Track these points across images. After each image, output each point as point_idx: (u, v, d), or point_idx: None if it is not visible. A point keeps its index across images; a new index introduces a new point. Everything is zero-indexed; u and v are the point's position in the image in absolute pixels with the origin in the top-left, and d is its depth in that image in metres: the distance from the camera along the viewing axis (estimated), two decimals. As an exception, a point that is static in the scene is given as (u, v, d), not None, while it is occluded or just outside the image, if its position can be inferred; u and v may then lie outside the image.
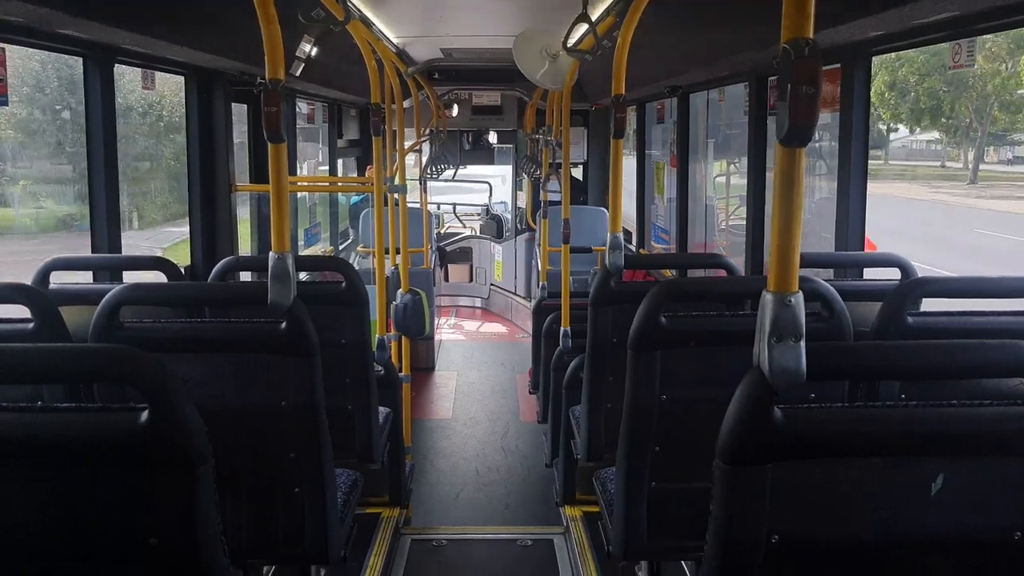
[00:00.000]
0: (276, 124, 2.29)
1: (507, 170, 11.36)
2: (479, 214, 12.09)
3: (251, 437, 2.46)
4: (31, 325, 2.40)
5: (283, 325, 2.34)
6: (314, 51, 5.02)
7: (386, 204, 5.01)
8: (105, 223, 3.65)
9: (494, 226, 11.37)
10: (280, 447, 2.45)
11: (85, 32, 3.22)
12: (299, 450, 2.45)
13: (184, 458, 1.50)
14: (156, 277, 3.29)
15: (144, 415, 1.47)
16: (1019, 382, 2.03)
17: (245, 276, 4.33)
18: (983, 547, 1.53)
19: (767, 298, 1.43)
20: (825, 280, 2.50)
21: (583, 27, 3.67)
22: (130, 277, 3.66)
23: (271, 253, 2.33)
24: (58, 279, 3.13)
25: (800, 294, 1.43)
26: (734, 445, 1.45)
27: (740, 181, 6.03)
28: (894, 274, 3.10)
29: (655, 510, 2.59)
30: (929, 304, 2.65)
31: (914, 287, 2.47)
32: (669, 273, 5.63)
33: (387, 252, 5.01)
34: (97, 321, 2.32)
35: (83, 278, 3.60)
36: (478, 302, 11.15)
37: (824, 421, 1.47)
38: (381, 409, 3.67)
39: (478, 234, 11.48)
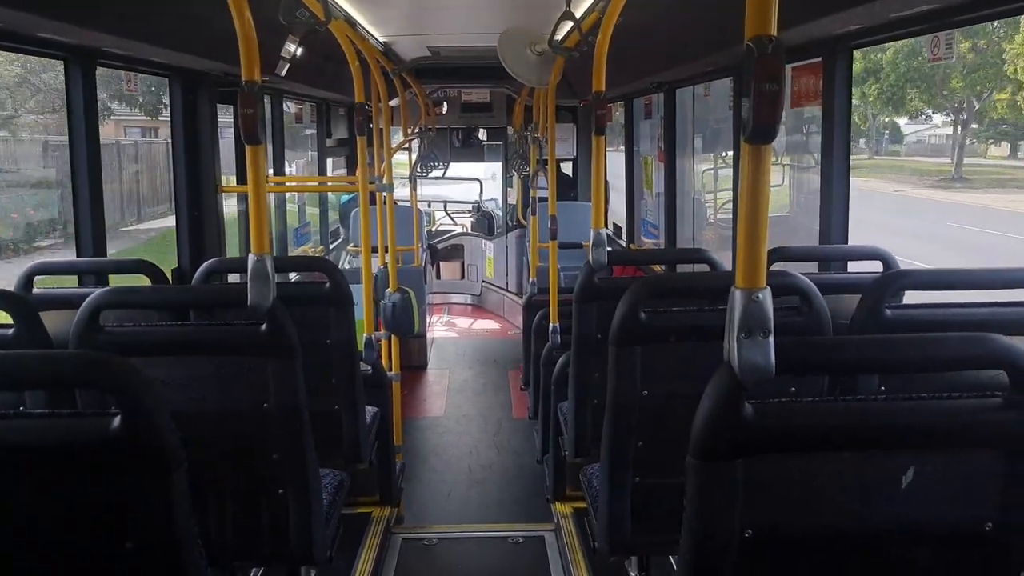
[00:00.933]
0: (253, 126, 2.29)
1: (497, 167, 11.36)
2: (470, 211, 12.09)
3: (234, 439, 2.47)
4: (11, 331, 2.40)
5: (263, 326, 2.35)
6: (299, 51, 5.02)
7: (374, 203, 5.01)
8: (89, 227, 3.64)
9: (485, 223, 11.37)
10: (263, 449, 2.45)
11: (66, 35, 3.22)
12: (282, 451, 2.45)
13: (158, 462, 1.50)
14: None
15: (116, 420, 1.47)
16: (997, 373, 2.04)
17: (234, 278, 4.33)
18: (955, 538, 1.55)
19: (735, 294, 1.44)
20: (807, 274, 2.51)
21: (568, 24, 3.67)
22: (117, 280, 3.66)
23: (250, 255, 2.34)
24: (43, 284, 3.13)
25: (768, 290, 1.44)
26: (705, 441, 1.46)
27: (727, 174, 6.05)
28: (878, 267, 3.11)
29: (639, 505, 2.61)
30: (912, 296, 2.66)
31: (893, 280, 2.47)
32: (659, 268, 5.64)
33: (375, 251, 5.01)
34: (77, 326, 2.32)
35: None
36: (470, 299, 11.16)
37: (794, 416, 1.48)
38: (369, 408, 3.68)
39: (469, 231, 11.48)
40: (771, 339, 1.43)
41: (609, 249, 3.44)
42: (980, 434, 1.49)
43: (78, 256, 3.65)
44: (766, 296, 1.43)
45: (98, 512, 1.53)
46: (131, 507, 1.52)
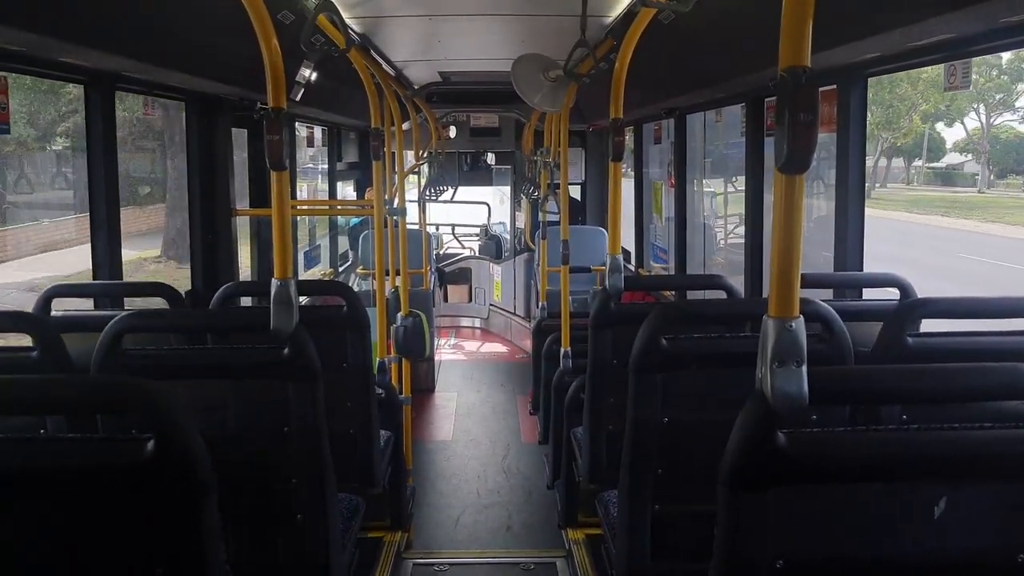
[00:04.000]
0: (279, 152, 2.31)
1: (506, 190, 11.40)
2: (478, 235, 12.12)
3: (253, 463, 2.46)
4: (34, 354, 2.41)
5: (285, 350, 2.35)
6: (314, 76, 5.05)
7: (385, 226, 5.03)
8: (107, 248, 3.66)
9: (493, 247, 11.39)
10: (282, 473, 2.45)
11: (86, 60, 3.25)
12: (301, 476, 2.44)
13: (189, 488, 1.50)
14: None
15: (150, 445, 1.47)
16: (1019, 403, 2.03)
17: (246, 300, 4.33)
18: (987, 570, 1.53)
19: (768, 323, 1.44)
20: (825, 300, 2.51)
21: (582, 51, 3.70)
22: (131, 302, 3.67)
23: (273, 279, 2.34)
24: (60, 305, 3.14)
25: (801, 319, 1.44)
26: (737, 470, 1.45)
27: (738, 199, 6.06)
28: (894, 294, 3.11)
29: (658, 533, 2.59)
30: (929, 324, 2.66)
31: (913, 308, 2.47)
32: (669, 294, 5.64)
33: (387, 274, 5.02)
34: (99, 349, 2.32)
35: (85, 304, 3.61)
36: (478, 322, 11.15)
37: (827, 445, 1.47)
38: (382, 432, 3.67)
39: (477, 255, 11.50)
40: (804, 368, 1.43)
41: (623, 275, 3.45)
42: (1012, 465, 1.48)
43: (95, 279, 3.66)
44: (799, 325, 1.43)
45: (129, 537, 1.53)
46: (162, 532, 1.52)
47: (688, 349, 2.46)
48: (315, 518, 2.48)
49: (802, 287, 1.48)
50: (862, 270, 3.67)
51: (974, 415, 1.58)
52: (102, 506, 1.52)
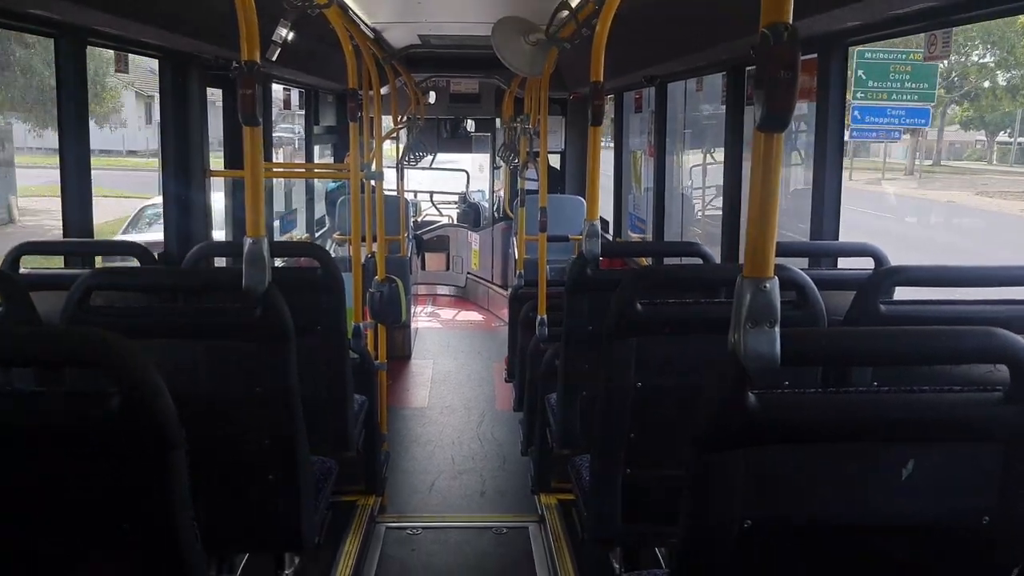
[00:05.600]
0: (251, 107, 2.27)
1: (485, 158, 11.34)
2: (457, 202, 12.07)
3: (225, 423, 2.45)
4: (0, 311, 2.37)
5: (258, 311, 2.33)
6: (291, 36, 4.97)
7: (363, 191, 4.99)
8: (77, 207, 3.59)
9: (471, 215, 11.35)
10: (254, 434, 2.43)
11: (56, 13, 3.17)
12: (273, 437, 2.43)
13: (156, 444, 1.48)
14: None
15: (116, 400, 1.45)
16: (991, 369, 2.05)
17: (220, 262, 4.29)
18: (953, 531, 1.55)
19: (743, 283, 1.44)
20: (800, 269, 2.52)
21: (564, 14, 3.66)
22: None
23: (246, 238, 2.31)
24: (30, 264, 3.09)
25: (775, 280, 1.44)
26: (708, 430, 1.45)
27: (717, 170, 6.05)
28: (869, 263, 3.13)
29: (629, 496, 2.61)
30: (903, 292, 2.68)
31: (887, 276, 2.49)
32: (645, 261, 5.64)
33: (363, 240, 4.98)
34: (67, 306, 2.29)
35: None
36: (455, 290, 11.14)
37: (798, 407, 1.48)
38: (356, 397, 3.66)
39: (455, 222, 11.45)
40: (777, 329, 1.43)
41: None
42: (981, 428, 1.49)
43: (65, 236, 3.60)
44: (774, 286, 1.43)
45: (94, 493, 1.51)
46: (128, 488, 1.50)
47: (662, 314, 2.47)
48: (287, 479, 2.47)
49: (777, 255, 1.47)
50: (837, 240, 3.68)
51: (943, 381, 1.60)
52: (67, 460, 1.50)
